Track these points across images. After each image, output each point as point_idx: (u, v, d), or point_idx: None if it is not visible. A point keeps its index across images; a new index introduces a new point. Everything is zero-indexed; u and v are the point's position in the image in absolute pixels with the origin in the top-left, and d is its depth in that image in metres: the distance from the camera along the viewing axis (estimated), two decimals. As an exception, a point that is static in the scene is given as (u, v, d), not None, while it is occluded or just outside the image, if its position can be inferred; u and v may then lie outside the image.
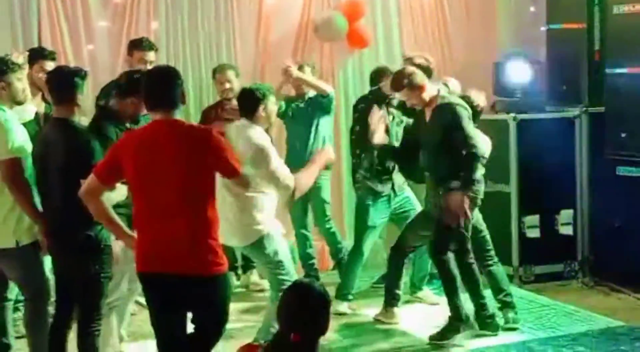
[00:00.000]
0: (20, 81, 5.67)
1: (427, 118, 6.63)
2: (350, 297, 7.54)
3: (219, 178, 5.01)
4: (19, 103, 5.79)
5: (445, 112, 6.49)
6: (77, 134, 5.40)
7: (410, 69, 6.73)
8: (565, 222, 8.36)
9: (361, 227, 7.47)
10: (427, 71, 7.03)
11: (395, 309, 7.25)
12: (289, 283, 6.16)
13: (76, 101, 5.43)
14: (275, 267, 6.27)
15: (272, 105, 6.33)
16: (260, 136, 6.16)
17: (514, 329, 6.94)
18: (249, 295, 8.00)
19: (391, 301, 7.24)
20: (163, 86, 4.89)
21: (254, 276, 8.29)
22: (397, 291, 7.23)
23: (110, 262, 5.50)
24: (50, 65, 6.95)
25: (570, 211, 8.40)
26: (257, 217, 6.18)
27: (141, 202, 4.88)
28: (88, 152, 5.29)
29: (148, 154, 4.79)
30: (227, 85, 7.89)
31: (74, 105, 5.44)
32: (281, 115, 7.78)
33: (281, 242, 6.37)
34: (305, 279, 4.42)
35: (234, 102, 7.65)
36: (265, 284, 7.68)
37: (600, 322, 7.24)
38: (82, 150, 5.31)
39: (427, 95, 6.61)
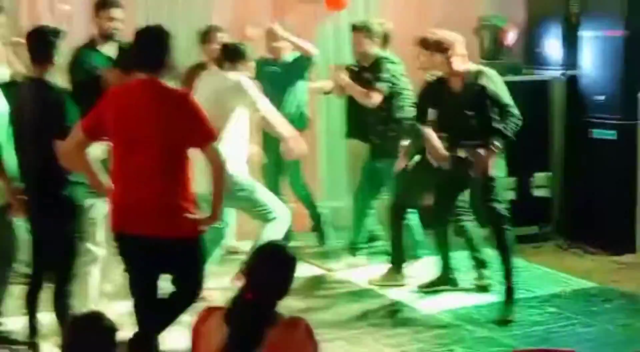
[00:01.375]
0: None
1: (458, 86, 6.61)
2: None
3: None
4: None
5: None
6: (52, 93, 5.41)
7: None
8: (539, 184, 8.43)
9: None
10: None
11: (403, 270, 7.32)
12: (274, 215, 6.59)
13: (52, 60, 5.45)
14: (256, 204, 6.56)
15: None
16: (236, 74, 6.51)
17: (487, 287, 7.06)
18: (224, 258, 8.00)
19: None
20: (149, 46, 4.92)
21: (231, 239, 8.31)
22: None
23: (83, 222, 5.53)
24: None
25: (545, 174, 8.46)
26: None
27: (118, 160, 4.92)
28: (62, 111, 5.30)
29: (127, 112, 4.83)
30: None
31: (50, 64, 5.45)
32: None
33: (252, 181, 6.68)
34: (277, 241, 4.43)
35: None
36: (241, 246, 7.74)
37: (573, 283, 7.32)
38: (56, 109, 5.32)
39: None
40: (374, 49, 7.59)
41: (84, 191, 5.47)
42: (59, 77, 5.72)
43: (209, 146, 4.88)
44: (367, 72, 7.54)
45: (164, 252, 4.86)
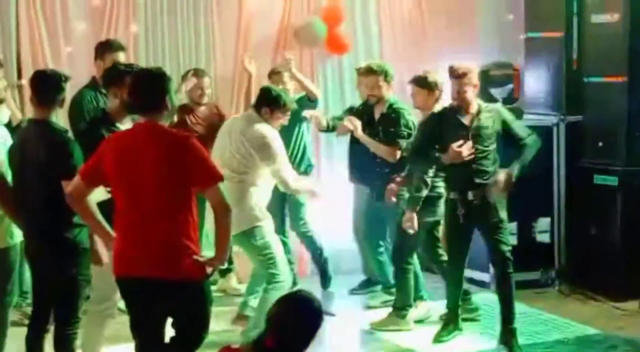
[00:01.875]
0: (1, 80, 5.65)
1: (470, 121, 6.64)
2: None
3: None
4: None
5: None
6: (56, 134, 5.39)
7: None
8: (542, 229, 8.40)
9: None
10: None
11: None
12: (280, 279, 6.45)
13: (57, 104, 5.43)
14: (267, 260, 6.47)
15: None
16: (270, 132, 6.54)
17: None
18: (227, 299, 7.94)
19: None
20: (148, 89, 4.88)
21: (233, 281, 8.26)
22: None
23: (88, 264, 5.48)
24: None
25: (548, 219, 8.44)
26: (253, 206, 6.46)
27: (121, 205, 4.87)
28: (67, 152, 5.28)
29: (128, 157, 4.78)
30: (207, 91, 7.88)
31: (55, 107, 5.43)
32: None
33: (274, 238, 6.61)
34: (305, 292, 4.34)
35: (202, 109, 7.72)
36: (244, 289, 7.68)
37: (576, 330, 7.26)
38: (60, 150, 5.30)
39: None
40: (389, 94, 7.58)
41: (86, 234, 5.43)
42: (60, 119, 5.70)
43: (212, 188, 4.82)
44: (376, 115, 7.53)
45: (168, 294, 4.80)
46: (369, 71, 7.52)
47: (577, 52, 8.57)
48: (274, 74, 8.06)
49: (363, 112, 7.65)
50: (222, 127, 7.00)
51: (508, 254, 6.59)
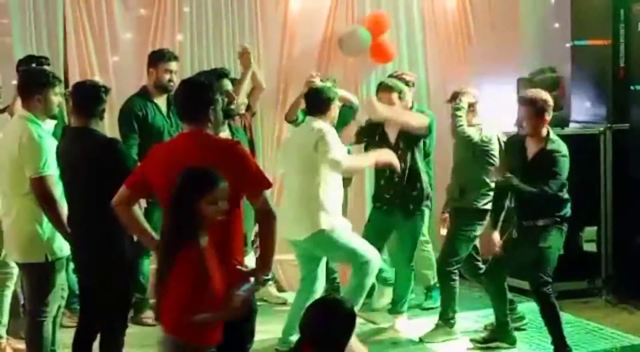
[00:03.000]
0: (57, 96, 5.72)
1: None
2: None
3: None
4: (53, 117, 5.84)
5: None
6: (101, 140, 5.48)
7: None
8: (588, 239, 8.32)
9: None
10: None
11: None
12: (371, 264, 6.65)
13: (101, 114, 5.49)
14: (351, 254, 6.65)
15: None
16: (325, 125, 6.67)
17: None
18: (268, 308, 7.93)
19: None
20: (191, 99, 4.88)
21: (273, 289, 8.26)
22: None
23: (134, 274, 5.54)
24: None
25: (594, 228, 8.36)
26: (325, 207, 6.59)
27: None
28: (115, 158, 5.37)
29: (174, 167, 4.76)
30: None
31: (97, 118, 5.49)
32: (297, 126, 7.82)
33: (351, 234, 6.79)
34: (336, 295, 4.36)
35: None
36: (284, 296, 7.70)
37: (623, 340, 7.19)
38: (107, 155, 5.38)
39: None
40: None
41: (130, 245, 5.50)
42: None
43: (259, 196, 4.80)
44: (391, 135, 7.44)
45: None
46: (384, 88, 7.44)
47: (623, 60, 8.50)
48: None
49: (376, 126, 7.46)
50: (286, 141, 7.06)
51: (542, 287, 6.61)
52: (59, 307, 5.90)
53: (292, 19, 8.73)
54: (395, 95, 7.32)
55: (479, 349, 6.95)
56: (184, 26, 8.38)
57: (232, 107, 5.73)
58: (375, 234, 7.29)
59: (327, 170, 6.64)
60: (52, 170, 5.56)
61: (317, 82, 7.77)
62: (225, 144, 4.94)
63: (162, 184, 4.77)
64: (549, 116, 6.57)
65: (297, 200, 6.66)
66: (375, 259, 6.80)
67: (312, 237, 6.61)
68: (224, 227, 4.74)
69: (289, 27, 8.73)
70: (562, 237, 6.69)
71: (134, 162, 5.54)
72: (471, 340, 7.03)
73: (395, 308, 7.52)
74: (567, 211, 6.68)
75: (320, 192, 6.60)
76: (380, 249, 7.16)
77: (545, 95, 6.60)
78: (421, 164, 7.30)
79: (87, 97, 5.54)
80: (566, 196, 6.66)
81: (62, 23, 8.05)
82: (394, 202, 7.27)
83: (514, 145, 6.77)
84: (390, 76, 7.86)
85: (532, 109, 6.51)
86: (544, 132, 6.57)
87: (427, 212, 7.45)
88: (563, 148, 6.56)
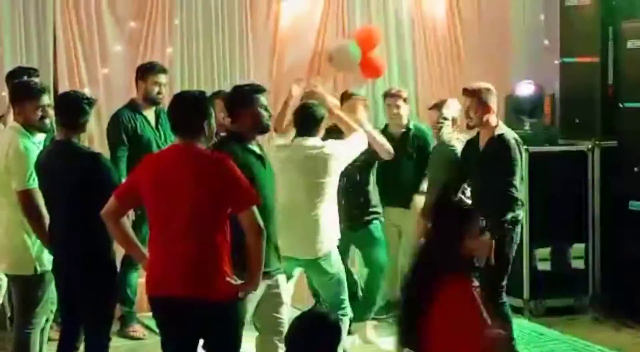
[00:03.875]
0: (50, 107, 5.70)
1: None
2: None
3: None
4: (42, 130, 5.81)
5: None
6: (83, 154, 5.45)
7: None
8: (576, 255, 8.33)
9: None
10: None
11: None
12: (345, 305, 6.38)
13: (83, 127, 5.47)
14: (338, 285, 6.42)
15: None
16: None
17: None
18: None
19: None
20: (185, 112, 4.90)
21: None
22: None
23: (116, 287, 5.54)
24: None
25: (582, 245, 8.37)
26: (329, 231, 6.37)
27: (155, 225, 4.90)
28: (97, 171, 5.35)
29: (163, 178, 4.80)
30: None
31: (80, 131, 5.47)
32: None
33: (342, 270, 6.57)
34: (322, 309, 4.37)
35: None
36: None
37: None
38: (89, 169, 5.36)
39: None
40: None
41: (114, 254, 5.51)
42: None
43: (246, 210, 4.81)
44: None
45: (198, 314, 4.80)
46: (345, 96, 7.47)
47: (612, 77, 8.54)
48: (309, 96, 8.03)
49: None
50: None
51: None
52: (47, 320, 5.88)
53: (282, 33, 8.74)
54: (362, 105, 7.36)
55: None
56: (174, 39, 8.38)
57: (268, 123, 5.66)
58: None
59: (334, 190, 6.50)
60: (36, 185, 5.55)
61: (320, 89, 7.70)
62: (215, 157, 4.94)
63: (151, 195, 4.80)
64: (494, 105, 6.58)
65: (298, 219, 6.31)
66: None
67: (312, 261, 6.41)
68: (212, 240, 4.75)
69: (279, 41, 8.74)
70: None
71: (117, 176, 5.53)
72: None
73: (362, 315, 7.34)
74: (520, 213, 6.56)
75: (323, 213, 6.36)
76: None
77: (487, 85, 6.69)
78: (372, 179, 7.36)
79: (70, 109, 5.50)
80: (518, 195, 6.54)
81: (52, 35, 8.03)
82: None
83: (469, 145, 6.76)
84: (387, 94, 7.88)
85: (476, 99, 6.56)
86: (492, 121, 6.56)
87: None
88: (513, 134, 6.58)
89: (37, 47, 7.97)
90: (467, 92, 6.69)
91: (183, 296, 4.76)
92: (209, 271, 4.79)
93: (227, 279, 4.81)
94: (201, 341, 4.99)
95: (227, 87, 8.16)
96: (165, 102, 7.65)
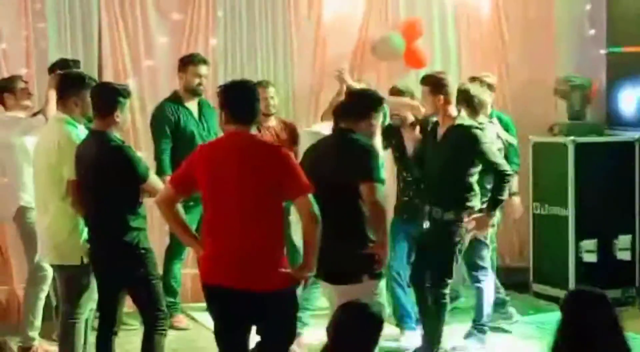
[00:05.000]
0: None
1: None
2: None
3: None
4: (90, 119, 5.87)
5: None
6: (110, 146, 5.47)
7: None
8: (623, 247, 8.25)
9: None
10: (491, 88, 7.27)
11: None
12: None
13: (114, 118, 5.50)
14: None
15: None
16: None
17: None
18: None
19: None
20: (242, 100, 4.93)
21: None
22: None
23: (154, 263, 5.57)
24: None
25: (629, 236, 8.28)
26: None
27: (210, 213, 4.91)
28: (124, 159, 5.42)
29: (219, 166, 4.82)
30: (272, 102, 7.78)
31: (112, 122, 5.50)
32: None
33: None
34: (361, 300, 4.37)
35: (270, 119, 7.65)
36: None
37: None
38: (114, 161, 5.43)
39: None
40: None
41: (146, 235, 5.57)
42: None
43: (302, 198, 4.82)
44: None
45: (256, 305, 4.79)
46: (393, 92, 7.35)
47: (658, 67, 8.46)
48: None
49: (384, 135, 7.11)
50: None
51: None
52: (91, 309, 5.94)
53: (325, 23, 8.73)
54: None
55: None
56: (217, 31, 8.40)
57: None
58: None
59: None
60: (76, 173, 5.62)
61: (346, 76, 7.70)
62: (270, 146, 5.03)
63: (208, 182, 4.83)
64: (446, 95, 6.41)
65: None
66: None
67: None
68: (268, 229, 4.79)
69: (323, 32, 8.72)
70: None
71: (144, 167, 5.56)
72: None
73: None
74: (477, 204, 6.47)
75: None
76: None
77: (441, 74, 6.65)
78: None
79: (103, 98, 5.55)
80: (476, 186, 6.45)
81: (97, 27, 8.08)
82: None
83: (430, 128, 6.66)
84: (473, 79, 7.60)
85: (427, 88, 6.50)
86: (452, 112, 6.44)
87: None
88: (473, 123, 6.48)
89: (82, 39, 8.02)
90: (422, 80, 6.65)
91: (242, 288, 4.76)
92: (267, 262, 4.81)
93: (283, 270, 4.83)
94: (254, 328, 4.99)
95: (270, 79, 8.22)
96: (208, 94, 7.74)
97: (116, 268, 5.50)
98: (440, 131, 6.46)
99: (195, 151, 5.07)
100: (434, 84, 6.47)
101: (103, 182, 5.41)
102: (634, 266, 8.33)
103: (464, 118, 6.47)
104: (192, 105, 7.55)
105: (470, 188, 6.36)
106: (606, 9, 8.90)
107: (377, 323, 4.03)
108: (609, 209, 8.06)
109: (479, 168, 6.40)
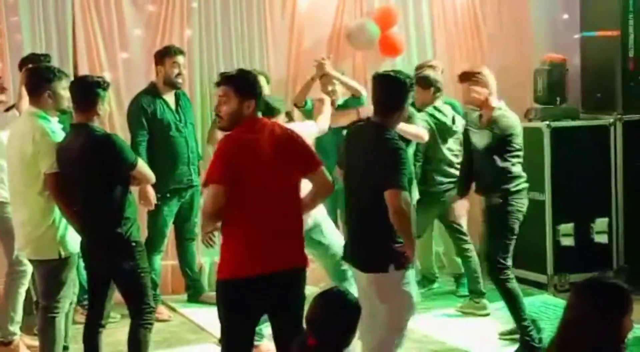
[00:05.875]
0: (65, 90, 5.73)
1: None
2: None
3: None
4: (63, 112, 5.86)
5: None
6: (96, 136, 5.49)
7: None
8: (600, 230, 8.30)
9: None
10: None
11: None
12: (348, 275, 6.29)
13: (96, 110, 5.52)
14: (333, 256, 6.39)
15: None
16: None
17: None
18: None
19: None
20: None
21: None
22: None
23: (144, 257, 5.59)
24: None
25: (605, 219, 8.33)
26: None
27: (246, 204, 4.83)
28: (113, 151, 5.44)
29: (256, 154, 4.86)
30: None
31: (94, 114, 5.52)
32: (307, 112, 7.83)
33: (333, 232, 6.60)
34: (341, 287, 4.39)
35: None
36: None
37: (635, 331, 7.09)
38: (102, 151, 5.44)
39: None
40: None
41: (138, 227, 5.59)
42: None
43: (318, 170, 4.99)
44: None
45: (286, 285, 4.88)
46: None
47: (633, 51, 8.48)
48: (324, 76, 8.07)
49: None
50: None
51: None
52: (71, 302, 5.94)
53: (300, 13, 8.73)
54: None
55: (505, 339, 6.91)
56: (192, 22, 8.39)
57: None
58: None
59: None
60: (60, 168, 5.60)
61: (328, 65, 7.78)
62: (287, 130, 5.11)
63: (248, 173, 4.79)
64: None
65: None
66: None
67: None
68: (296, 207, 4.96)
69: (298, 21, 8.73)
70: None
71: (132, 154, 5.59)
72: (499, 334, 6.97)
73: None
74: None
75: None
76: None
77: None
78: None
79: (83, 93, 5.55)
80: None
81: (71, 20, 8.05)
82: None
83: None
84: (429, 66, 7.85)
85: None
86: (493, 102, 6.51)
87: None
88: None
89: (55, 32, 7.99)
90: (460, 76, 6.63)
91: (284, 269, 4.83)
92: (300, 239, 5.00)
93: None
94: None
95: (246, 68, 8.20)
96: (185, 85, 7.74)
97: (107, 261, 5.51)
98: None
99: (227, 145, 4.91)
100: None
101: (93, 173, 5.41)
102: (611, 248, 8.39)
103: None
104: (169, 97, 7.56)
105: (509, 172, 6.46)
106: (580, -6, 8.94)
107: (353, 310, 4.05)
108: (585, 193, 8.10)
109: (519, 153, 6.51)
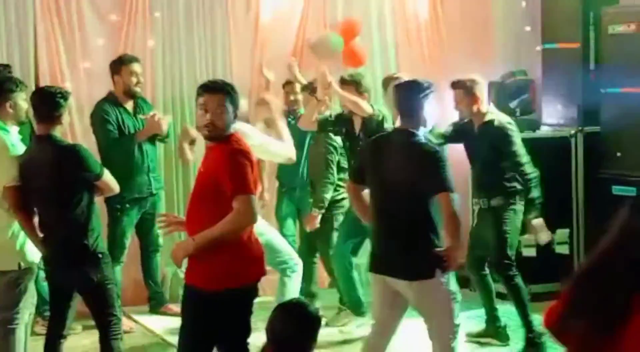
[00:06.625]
0: (25, 101, 5.71)
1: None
2: None
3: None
4: (22, 123, 5.83)
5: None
6: (61, 147, 5.50)
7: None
8: (561, 241, 8.35)
9: None
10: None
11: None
12: (286, 265, 6.57)
13: (59, 120, 5.50)
14: (270, 248, 6.38)
15: None
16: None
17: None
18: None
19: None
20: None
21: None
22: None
23: (110, 268, 5.55)
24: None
25: (566, 230, 8.40)
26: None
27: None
28: (79, 159, 5.44)
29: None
30: None
31: (56, 125, 5.50)
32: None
33: (271, 233, 6.73)
34: (300, 299, 4.40)
35: None
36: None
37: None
38: (67, 162, 5.43)
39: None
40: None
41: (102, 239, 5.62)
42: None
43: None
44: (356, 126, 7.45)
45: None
46: (342, 82, 7.38)
47: (594, 63, 8.55)
48: (287, 85, 8.08)
49: (337, 123, 7.45)
50: None
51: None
52: (30, 313, 5.90)
53: (263, 24, 8.74)
54: (352, 89, 7.34)
55: (472, 342, 6.97)
56: (155, 32, 8.37)
57: None
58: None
59: None
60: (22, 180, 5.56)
61: (295, 67, 7.84)
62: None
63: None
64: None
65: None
66: None
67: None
68: None
69: (261, 32, 8.74)
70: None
71: (97, 164, 5.58)
72: (467, 334, 7.03)
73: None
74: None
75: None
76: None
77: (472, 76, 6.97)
78: None
79: (45, 103, 5.54)
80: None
81: (32, 30, 8.01)
82: None
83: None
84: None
85: (462, 91, 6.89)
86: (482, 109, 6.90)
87: None
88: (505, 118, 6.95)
89: (17, 42, 7.95)
90: (453, 84, 6.87)
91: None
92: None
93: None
94: None
95: (207, 76, 8.21)
96: (147, 95, 7.72)
97: (73, 272, 5.49)
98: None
99: (250, 156, 4.87)
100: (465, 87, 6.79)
101: (58, 185, 5.40)
102: (572, 259, 8.44)
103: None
104: (128, 105, 7.56)
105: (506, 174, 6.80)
106: (541, 6, 9.00)
107: (313, 321, 4.06)
108: (546, 204, 8.13)
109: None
